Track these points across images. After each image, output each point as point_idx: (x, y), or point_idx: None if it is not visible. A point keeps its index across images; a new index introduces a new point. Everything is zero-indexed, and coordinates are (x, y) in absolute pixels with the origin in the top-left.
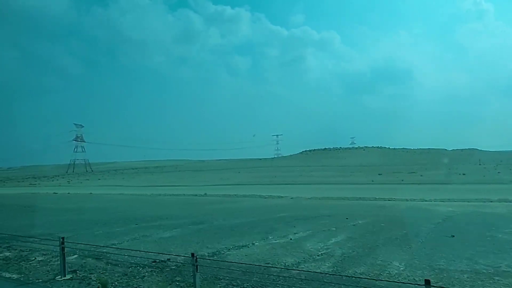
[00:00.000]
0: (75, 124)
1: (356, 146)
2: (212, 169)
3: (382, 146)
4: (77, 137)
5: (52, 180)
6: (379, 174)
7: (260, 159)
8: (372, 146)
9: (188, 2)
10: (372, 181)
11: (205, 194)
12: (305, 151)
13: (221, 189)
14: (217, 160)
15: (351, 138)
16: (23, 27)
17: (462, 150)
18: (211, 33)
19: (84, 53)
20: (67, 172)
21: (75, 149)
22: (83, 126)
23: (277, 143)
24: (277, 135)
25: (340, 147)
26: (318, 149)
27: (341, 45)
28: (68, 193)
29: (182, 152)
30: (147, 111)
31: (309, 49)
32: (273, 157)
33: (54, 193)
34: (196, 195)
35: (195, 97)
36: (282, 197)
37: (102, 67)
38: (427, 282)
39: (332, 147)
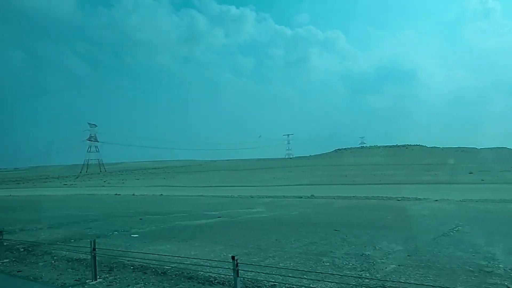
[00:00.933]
0: (89, 123)
1: (394, 145)
2: (243, 169)
3: (420, 144)
4: (90, 136)
5: (82, 180)
6: (469, 173)
7: (287, 158)
8: (416, 144)
9: (192, 2)
10: (482, 180)
11: (312, 196)
12: (339, 149)
13: (298, 190)
14: (228, 160)
15: (360, 138)
16: (29, 29)
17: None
18: (215, 33)
19: (90, 53)
20: (80, 172)
21: (89, 149)
22: (97, 126)
23: (288, 143)
24: (288, 135)
25: (371, 146)
26: (351, 148)
27: (346, 45)
28: (133, 194)
29: (188, 152)
30: (152, 111)
31: (313, 49)
32: (284, 157)
33: (116, 194)
34: (301, 197)
35: (199, 97)
36: (419, 199)
37: (107, 67)
38: None
39: (360, 146)
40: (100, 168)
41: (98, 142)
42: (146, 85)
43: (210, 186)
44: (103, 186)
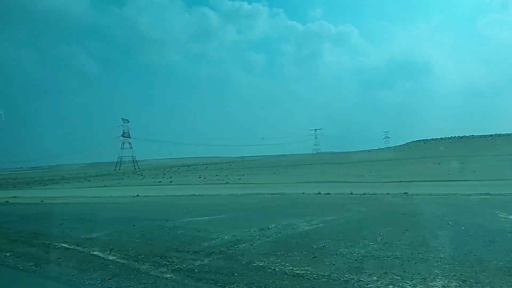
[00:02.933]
0: (122, 119)
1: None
2: (292, 164)
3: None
4: (124, 132)
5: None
6: None
7: (326, 153)
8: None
9: None
10: None
11: (405, 193)
12: (411, 142)
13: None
14: (258, 156)
15: (384, 132)
16: (43, 29)
17: None
18: (227, 30)
19: (103, 52)
20: (114, 170)
21: (122, 145)
22: (129, 121)
23: (316, 138)
24: (315, 130)
25: (435, 138)
26: (420, 140)
27: (359, 39)
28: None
29: (210, 149)
30: (169, 108)
31: (325, 44)
32: (312, 152)
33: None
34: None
35: (213, 94)
36: None
37: (120, 66)
38: None
39: (429, 138)
40: (134, 166)
41: (130, 138)
42: (159, 82)
43: (308, 182)
44: (157, 185)
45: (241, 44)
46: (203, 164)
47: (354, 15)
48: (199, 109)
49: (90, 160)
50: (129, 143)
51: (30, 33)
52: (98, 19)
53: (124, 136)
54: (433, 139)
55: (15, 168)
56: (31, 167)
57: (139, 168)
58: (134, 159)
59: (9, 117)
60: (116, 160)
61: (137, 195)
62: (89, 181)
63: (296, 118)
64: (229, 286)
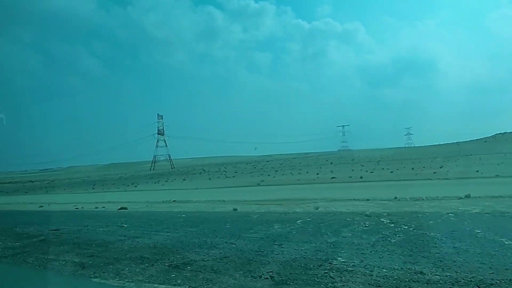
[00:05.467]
0: (158, 114)
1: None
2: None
3: None
4: (159, 130)
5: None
6: None
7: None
8: None
9: None
10: None
11: None
12: (497, 134)
13: None
14: (287, 154)
15: (406, 128)
16: (48, 30)
17: None
18: (233, 29)
19: (107, 53)
20: (150, 170)
21: (157, 144)
22: (162, 117)
23: (343, 135)
24: (342, 126)
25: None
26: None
27: (366, 37)
28: None
29: (231, 148)
30: (183, 107)
31: (332, 42)
32: (339, 149)
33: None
34: None
35: (217, 93)
36: None
37: (124, 66)
38: None
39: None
40: (171, 165)
41: (164, 135)
42: (166, 82)
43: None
44: (212, 188)
45: (247, 43)
46: (224, 164)
47: (361, 12)
48: (204, 108)
49: (103, 162)
50: (164, 140)
51: (36, 35)
52: (104, 20)
53: (159, 134)
54: None
55: (20, 170)
56: (40, 170)
57: (174, 167)
58: (169, 157)
59: (9, 120)
60: (151, 160)
61: (235, 209)
62: (135, 185)
63: (318, 116)
64: None
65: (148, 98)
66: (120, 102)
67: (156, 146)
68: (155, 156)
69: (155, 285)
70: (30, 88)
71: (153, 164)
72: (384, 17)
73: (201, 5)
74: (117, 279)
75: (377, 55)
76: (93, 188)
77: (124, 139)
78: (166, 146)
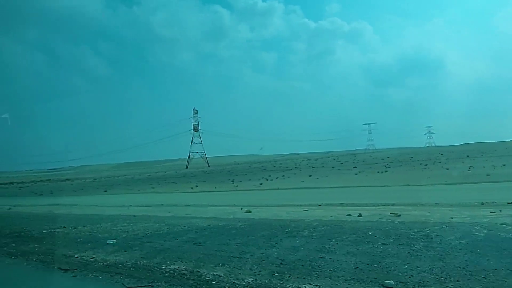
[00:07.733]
0: (193, 109)
1: None
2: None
3: None
4: (194, 126)
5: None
6: None
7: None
8: None
9: None
10: None
11: None
12: None
13: None
14: (314, 152)
15: (426, 127)
16: (53, 29)
17: None
18: (240, 28)
19: (113, 52)
20: (186, 168)
21: (192, 141)
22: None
23: (369, 133)
24: (369, 124)
25: None
26: None
27: (373, 36)
28: None
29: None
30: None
31: (339, 41)
32: (366, 147)
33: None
34: None
35: (220, 93)
36: None
37: (131, 66)
38: None
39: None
40: (208, 164)
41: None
42: (174, 82)
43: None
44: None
45: (254, 42)
46: (264, 162)
47: (368, 10)
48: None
49: (116, 161)
50: (199, 137)
51: (41, 34)
52: (110, 19)
53: (195, 130)
54: None
55: (26, 170)
56: (48, 169)
57: (208, 166)
58: (204, 155)
59: (14, 119)
60: (187, 157)
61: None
62: (174, 183)
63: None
64: None
65: (153, 97)
66: (127, 102)
67: (192, 143)
68: (190, 153)
69: None
70: (35, 88)
71: (187, 162)
72: (391, 17)
73: (208, 4)
74: None
75: (385, 54)
76: (153, 188)
77: (134, 138)
78: (201, 143)
